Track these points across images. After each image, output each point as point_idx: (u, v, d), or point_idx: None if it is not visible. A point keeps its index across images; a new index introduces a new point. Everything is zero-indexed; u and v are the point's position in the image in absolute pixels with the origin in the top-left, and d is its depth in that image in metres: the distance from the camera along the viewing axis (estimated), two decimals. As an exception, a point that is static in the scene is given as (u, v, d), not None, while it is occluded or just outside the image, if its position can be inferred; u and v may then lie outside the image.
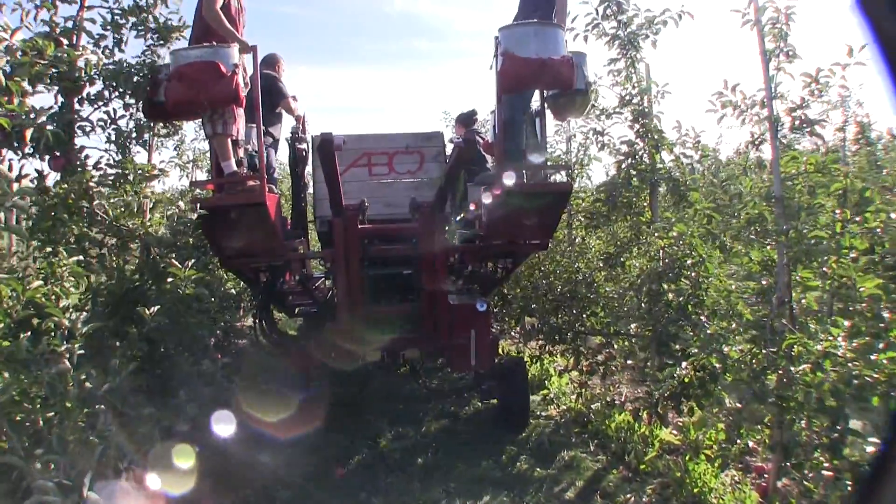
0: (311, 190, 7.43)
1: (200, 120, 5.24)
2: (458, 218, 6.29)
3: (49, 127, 3.27)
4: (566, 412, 6.65)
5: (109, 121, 4.33)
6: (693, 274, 5.39)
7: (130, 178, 3.93)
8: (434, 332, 5.63)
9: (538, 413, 6.67)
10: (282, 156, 7.63)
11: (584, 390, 6.84)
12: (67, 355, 2.80)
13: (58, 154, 3.65)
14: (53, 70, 3.53)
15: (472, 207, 6.22)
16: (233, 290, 7.36)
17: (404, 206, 6.23)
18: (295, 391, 5.77)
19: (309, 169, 7.12)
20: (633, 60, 5.76)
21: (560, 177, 6.76)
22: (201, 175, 9.47)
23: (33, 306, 2.65)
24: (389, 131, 7.33)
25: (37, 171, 3.61)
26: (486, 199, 5.56)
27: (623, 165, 5.95)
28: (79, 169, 3.83)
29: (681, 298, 5.30)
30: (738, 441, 4.36)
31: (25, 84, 3.03)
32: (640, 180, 5.89)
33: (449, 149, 7.37)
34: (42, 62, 3.29)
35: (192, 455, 3.21)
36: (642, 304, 5.55)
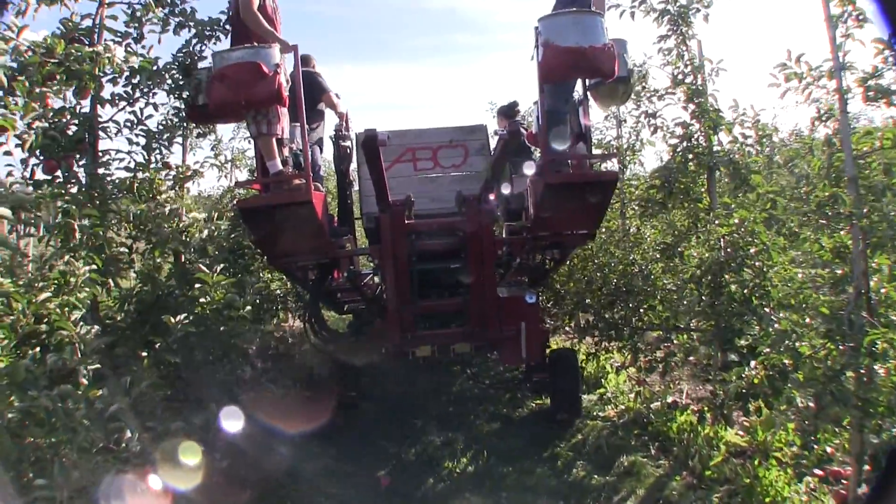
0: (356, 187, 7.33)
1: (244, 121, 5.15)
2: (503, 210, 6.11)
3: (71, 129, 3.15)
4: (624, 412, 6.25)
5: (136, 121, 4.22)
6: (757, 263, 4.97)
7: (150, 180, 3.80)
8: (484, 326, 5.49)
9: (595, 413, 6.28)
10: (326, 154, 7.52)
11: (642, 389, 6.41)
12: (84, 371, 2.68)
13: (52, 158, 3.44)
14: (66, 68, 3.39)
15: (517, 198, 6.07)
16: (278, 291, 7.28)
17: (449, 200, 6.14)
18: (342, 391, 5.76)
19: (353, 166, 7.02)
20: (685, 37, 5.32)
21: (609, 165, 6.39)
22: (241, 175, 9.38)
23: (43, 319, 2.49)
24: (433, 126, 7.32)
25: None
26: (532, 190, 5.45)
27: (678, 149, 5.50)
28: (98, 171, 3.71)
29: (745, 290, 4.86)
30: (815, 447, 3.95)
31: (29, 84, 2.89)
32: (698, 164, 5.43)
33: (493, 141, 7.23)
34: (52, 61, 3.15)
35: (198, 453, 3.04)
36: (703, 297, 5.13)
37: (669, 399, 6.38)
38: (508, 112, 7.28)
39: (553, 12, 5.11)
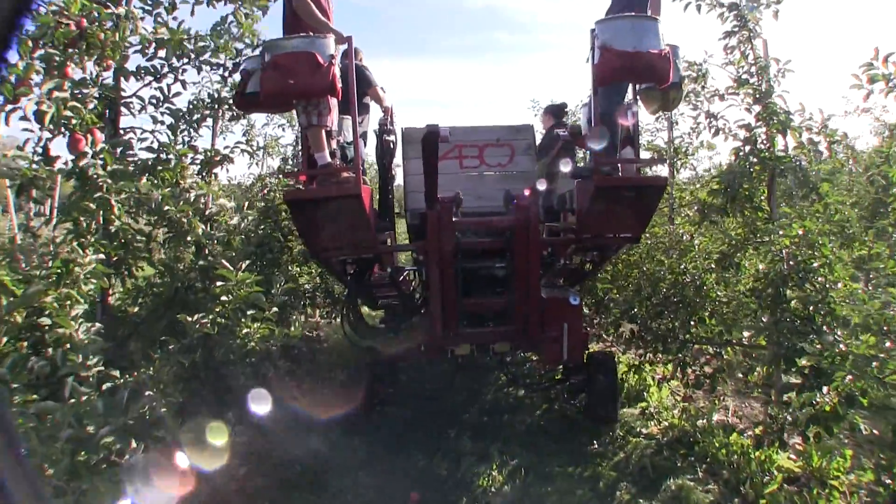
0: (397, 182, 7.18)
1: (294, 111, 5.05)
2: (542, 210, 5.90)
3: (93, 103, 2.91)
4: (668, 429, 5.77)
5: (163, 98, 3.97)
6: (819, 279, 4.57)
7: (174, 162, 3.52)
8: (526, 326, 5.35)
9: (637, 430, 5.82)
10: (368, 148, 7.27)
11: (688, 405, 5.99)
12: (69, 382, 2.38)
13: (79, 133, 3.22)
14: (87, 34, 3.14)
15: (558, 200, 5.94)
16: (307, 286, 7.04)
17: (495, 198, 5.98)
18: (377, 386, 5.59)
19: (397, 161, 6.84)
20: (751, 34, 4.89)
21: (660, 169, 6.04)
22: (273, 163, 9.01)
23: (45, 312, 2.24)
24: (474, 124, 6.98)
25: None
26: (579, 192, 5.30)
27: (741, 153, 5.05)
28: (117, 150, 3.47)
29: (810, 307, 4.42)
30: (889, 482, 3.53)
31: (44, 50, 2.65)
32: (761, 169, 4.96)
33: (538, 138, 7.07)
34: (65, 22, 2.90)
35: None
36: (763, 312, 4.72)
37: (715, 417, 5.99)
38: (557, 112, 7.15)
39: (611, 16, 4.99)
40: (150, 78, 3.92)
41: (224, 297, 3.40)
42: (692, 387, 5.75)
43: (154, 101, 3.94)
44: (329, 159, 4.87)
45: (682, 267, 5.87)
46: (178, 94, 4.06)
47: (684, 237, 6.08)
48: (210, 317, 3.23)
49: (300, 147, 7.86)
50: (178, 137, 3.92)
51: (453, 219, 5.30)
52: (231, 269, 3.44)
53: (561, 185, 5.98)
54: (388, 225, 6.49)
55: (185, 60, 4.08)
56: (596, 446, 5.54)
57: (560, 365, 6.07)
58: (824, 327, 4.36)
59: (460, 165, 6.69)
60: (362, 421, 5.61)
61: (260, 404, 3.75)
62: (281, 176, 6.83)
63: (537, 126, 7.79)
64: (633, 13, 4.84)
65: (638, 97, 5.28)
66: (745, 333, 5.44)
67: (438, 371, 7.27)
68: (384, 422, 5.83)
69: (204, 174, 4.62)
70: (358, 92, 5.49)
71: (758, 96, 4.86)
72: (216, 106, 4.91)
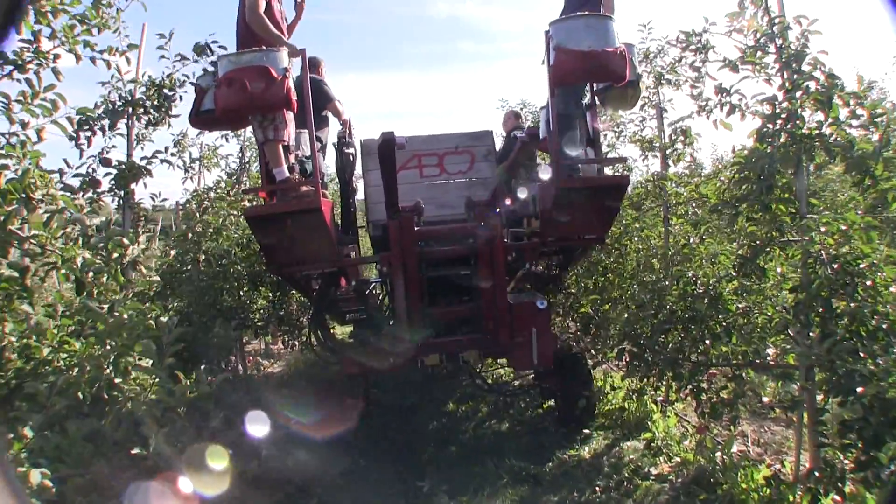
0: (359, 195, 6.75)
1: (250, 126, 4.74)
2: (505, 216, 5.50)
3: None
4: (681, 467, 4.45)
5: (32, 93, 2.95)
6: (868, 283, 3.46)
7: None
8: (495, 332, 5.01)
9: (645, 469, 4.48)
10: (327, 160, 6.54)
11: (705, 438, 4.62)
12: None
13: None
14: None
15: (521, 204, 5.61)
16: (259, 312, 6.04)
17: (456, 206, 5.65)
18: (351, 401, 5.19)
19: (357, 173, 6.35)
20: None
21: (623, 168, 5.79)
22: (210, 178, 7.65)
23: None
24: (437, 133, 6.53)
25: None
26: (541, 195, 5.01)
27: (767, 132, 3.77)
28: None
29: (863, 321, 3.16)
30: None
31: None
32: (797, 151, 3.64)
33: (499, 142, 6.80)
34: None
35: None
36: (805, 329, 3.51)
37: (735, 449, 4.53)
38: (520, 116, 7.00)
39: (564, 16, 4.65)
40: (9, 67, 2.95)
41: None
42: (709, 417, 4.55)
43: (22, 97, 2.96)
44: (287, 174, 4.49)
45: (691, 275, 4.56)
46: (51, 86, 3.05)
47: (690, 240, 4.93)
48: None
49: (245, 161, 7.38)
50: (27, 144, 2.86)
51: (415, 228, 4.90)
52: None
53: (522, 190, 5.58)
54: (352, 238, 5.98)
55: (58, 42, 3.13)
56: (598, 493, 4.25)
57: (530, 370, 5.70)
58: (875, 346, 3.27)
59: (420, 174, 6.20)
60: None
61: (257, 426, 3.74)
62: (233, 192, 6.14)
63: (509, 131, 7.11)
64: (588, 13, 4.53)
65: (596, 97, 4.96)
66: (770, 350, 4.36)
67: (408, 396, 6.59)
68: (348, 475, 4.87)
69: (117, 189, 4.05)
70: (316, 105, 5.10)
71: (789, 61, 3.59)
72: (131, 109, 4.21)
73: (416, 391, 6.51)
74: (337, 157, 5.67)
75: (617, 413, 5.50)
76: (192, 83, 4.50)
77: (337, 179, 6.11)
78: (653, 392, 5.11)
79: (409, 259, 4.91)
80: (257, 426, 3.69)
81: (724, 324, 4.22)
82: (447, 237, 5.24)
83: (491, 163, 6.24)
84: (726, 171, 4.94)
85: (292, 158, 4.80)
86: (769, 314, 4.07)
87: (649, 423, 5.24)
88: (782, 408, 4.09)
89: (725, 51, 3.97)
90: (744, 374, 4.28)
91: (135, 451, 2.44)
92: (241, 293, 5.37)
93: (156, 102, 4.31)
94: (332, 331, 5.71)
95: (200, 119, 4.61)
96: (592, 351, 6.25)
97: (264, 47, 4.35)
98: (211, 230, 4.93)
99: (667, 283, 4.71)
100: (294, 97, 4.28)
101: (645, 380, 4.76)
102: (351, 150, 5.68)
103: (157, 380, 2.66)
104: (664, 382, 4.76)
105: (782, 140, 3.52)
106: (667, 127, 5.37)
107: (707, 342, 4.32)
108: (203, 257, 4.88)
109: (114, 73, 3.87)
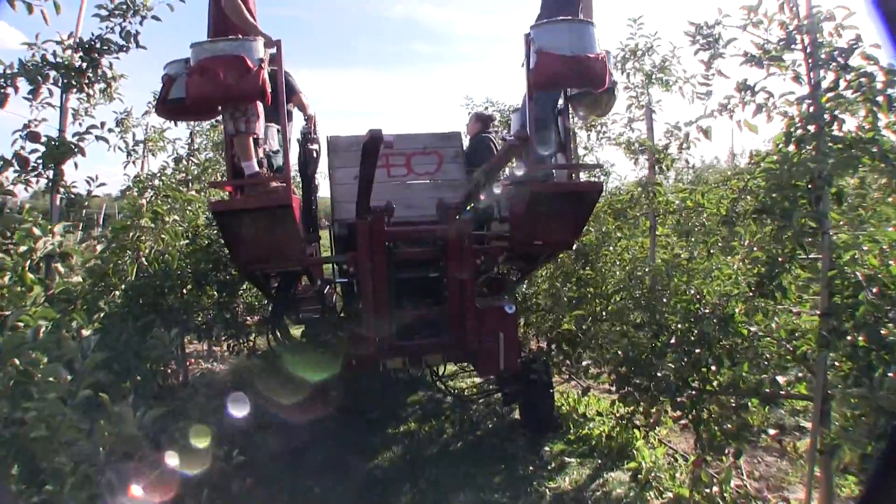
0: (321, 193, 6.47)
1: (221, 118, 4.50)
2: (475, 218, 5.35)
3: None
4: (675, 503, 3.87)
5: None
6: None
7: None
8: (462, 336, 4.84)
9: None
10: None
11: (700, 471, 3.90)
12: None
13: None
14: None
15: (485, 208, 5.44)
16: (205, 315, 5.48)
17: (424, 207, 5.50)
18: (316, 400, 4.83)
19: (321, 170, 6.07)
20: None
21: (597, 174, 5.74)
22: (155, 163, 6.72)
23: None
24: (398, 132, 6.09)
25: None
26: (515, 199, 4.90)
27: (795, 133, 3.30)
28: None
29: None
30: None
31: None
32: (840, 154, 3.11)
33: (465, 142, 6.53)
34: None
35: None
36: (846, 361, 3.00)
37: (733, 483, 4.29)
38: (486, 120, 6.74)
39: (547, 20, 4.53)
40: None
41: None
42: (711, 451, 4.06)
43: None
44: (257, 168, 4.31)
45: (694, 292, 4.08)
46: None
47: (695, 254, 4.44)
48: None
49: (195, 147, 6.93)
50: None
51: (385, 228, 4.70)
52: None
53: (486, 194, 5.32)
54: (314, 237, 5.67)
55: None
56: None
57: (496, 375, 5.58)
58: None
59: (388, 174, 5.91)
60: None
61: (238, 407, 3.67)
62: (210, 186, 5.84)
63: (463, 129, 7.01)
64: (569, 17, 4.46)
65: (569, 103, 4.83)
66: (781, 379, 3.63)
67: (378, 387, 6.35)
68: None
69: (43, 169, 3.53)
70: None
71: (827, 55, 3.13)
72: (65, 78, 3.72)
73: (377, 399, 6.26)
74: (300, 152, 5.41)
75: (596, 438, 5.05)
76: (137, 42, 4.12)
77: (298, 176, 5.72)
78: (642, 418, 4.54)
79: (377, 259, 4.72)
80: (238, 408, 3.56)
81: (736, 348, 3.74)
82: (417, 238, 5.10)
83: (459, 164, 6.04)
84: (734, 179, 4.55)
85: (261, 153, 4.59)
86: (781, 338, 3.56)
87: (633, 450, 4.75)
88: (778, 440, 3.58)
89: (742, 45, 3.57)
90: (749, 404, 3.73)
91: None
92: (185, 292, 4.91)
93: (84, 66, 3.83)
94: (289, 332, 5.47)
95: (167, 108, 4.34)
96: (563, 368, 5.98)
97: (239, 36, 4.15)
98: (158, 222, 4.33)
99: (664, 299, 4.18)
100: (269, 89, 4.02)
101: (635, 405, 4.21)
102: (315, 147, 5.44)
103: (67, 418, 2.06)
104: (655, 409, 4.20)
105: (829, 144, 3.07)
106: (656, 129, 4.97)
107: (713, 367, 3.77)
108: (145, 252, 4.44)
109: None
